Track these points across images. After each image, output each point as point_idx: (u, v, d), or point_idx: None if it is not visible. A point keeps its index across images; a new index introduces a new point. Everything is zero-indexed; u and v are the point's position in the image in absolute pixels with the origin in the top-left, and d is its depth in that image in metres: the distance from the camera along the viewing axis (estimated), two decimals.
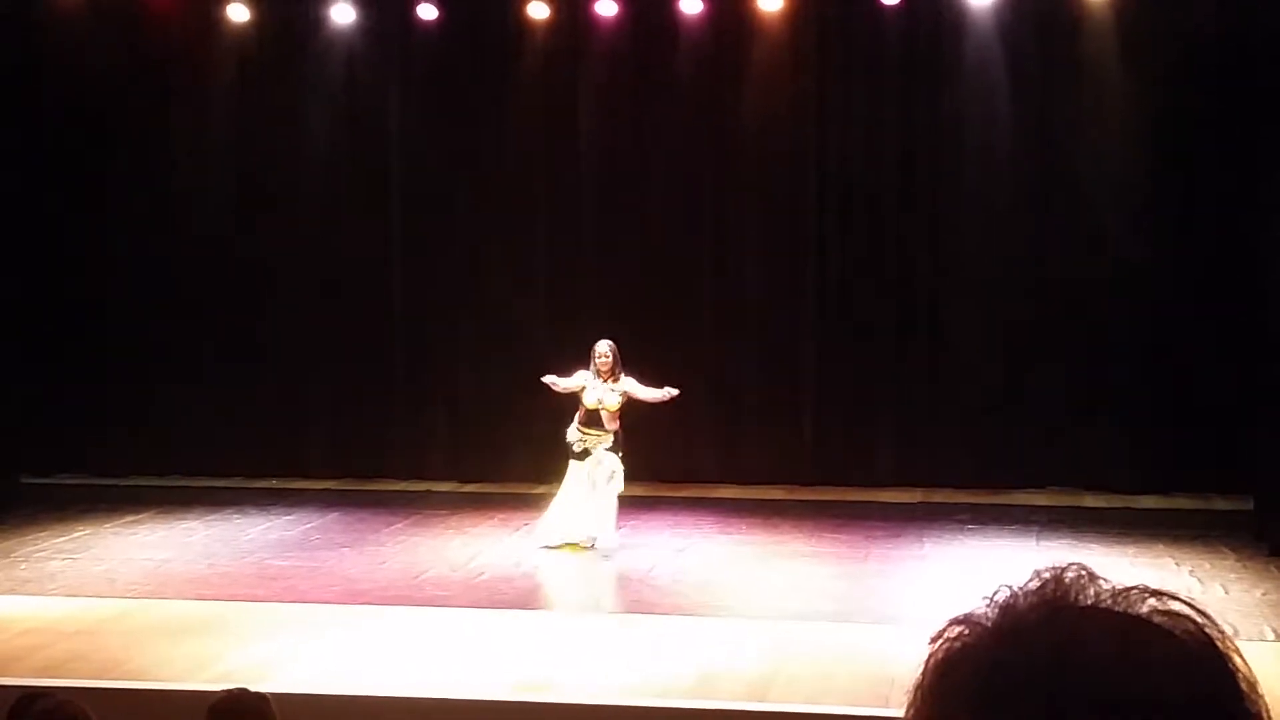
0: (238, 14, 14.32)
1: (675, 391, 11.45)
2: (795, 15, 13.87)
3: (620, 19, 14.04)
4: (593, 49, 14.24)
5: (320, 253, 14.59)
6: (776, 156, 14.11)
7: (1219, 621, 1.03)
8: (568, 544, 11.44)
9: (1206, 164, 13.07)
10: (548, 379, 11.63)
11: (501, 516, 12.90)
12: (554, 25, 14.16)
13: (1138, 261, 13.33)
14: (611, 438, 11.37)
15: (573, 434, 11.44)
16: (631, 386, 11.39)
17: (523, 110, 14.31)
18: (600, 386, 11.32)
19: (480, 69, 14.34)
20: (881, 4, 13.61)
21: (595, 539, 11.41)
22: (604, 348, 11.42)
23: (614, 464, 11.35)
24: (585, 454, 11.38)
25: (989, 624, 1.02)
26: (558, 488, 13.76)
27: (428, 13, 14.14)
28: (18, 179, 14.26)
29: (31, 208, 14.46)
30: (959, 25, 13.68)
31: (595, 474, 11.35)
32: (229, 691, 4.80)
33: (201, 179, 14.71)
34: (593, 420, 11.37)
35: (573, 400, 11.63)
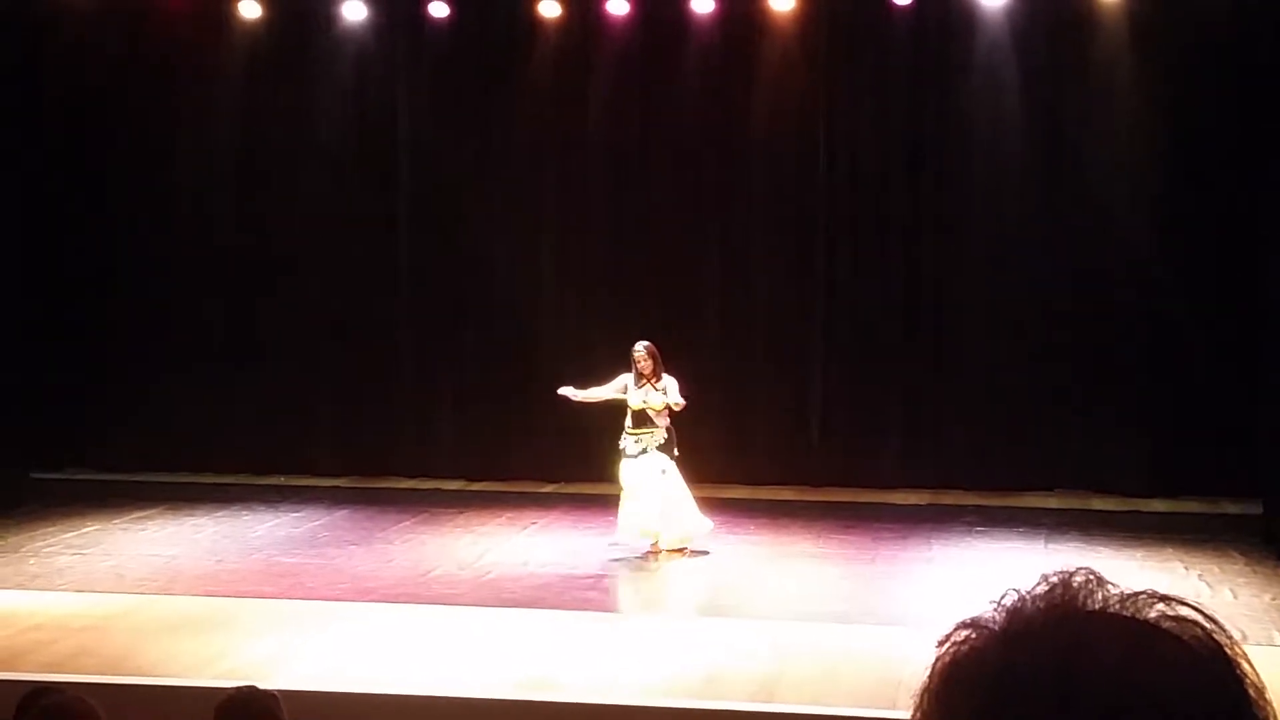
0: (249, 11, 14.33)
1: (683, 402, 11.30)
2: (806, 14, 13.86)
3: (631, 17, 14.04)
4: (603, 47, 14.24)
5: (328, 250, 14.60)
6: (786, 156, 14.10)
7: (1227, 626, 1.02)
8: (667, 549, 11.34)
9: (1216, 164, 13.04)
10: (564, 391, 11.52)
11: (509, 515, 12.90)
12: (565, 23, 14.16)
13: (1147, 263, 13.31)
14: (665, 434, 11.24)
15: (625, 439, 11.31)
16: (671, 389, 11.23)
17: (533, 108, 14.32)
18: (643, 389, 11.23)
19: (491, 67, 14.35)
20: (892, 3, 13.60)
21: (686, 539, 11.35)
22: (640, 350, 11.27)
23: (663, 462, 11.21)
24: (644, 453, 11.28)
25: (996, 628, 1.02)
26: (567, 487, 13.81)
27: (439, 10, 14.15)
28: (21, 175, 14.29)
29: (37, 204, 14.49)
30: (969, 24, 13.67)
31: (650, 474, 11.21)
32: (238, 689, 4.79)
33: (210, 175, 14.74)
34: (641, 421, 11.26)
35: (607, 408, 11.55)
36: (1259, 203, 12.33)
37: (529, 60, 14.33)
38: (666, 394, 11.20)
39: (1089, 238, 13.57)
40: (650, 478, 11.18)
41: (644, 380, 11.23)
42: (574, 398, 11.49)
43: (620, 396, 11.33)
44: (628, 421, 11.31)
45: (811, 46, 14.00)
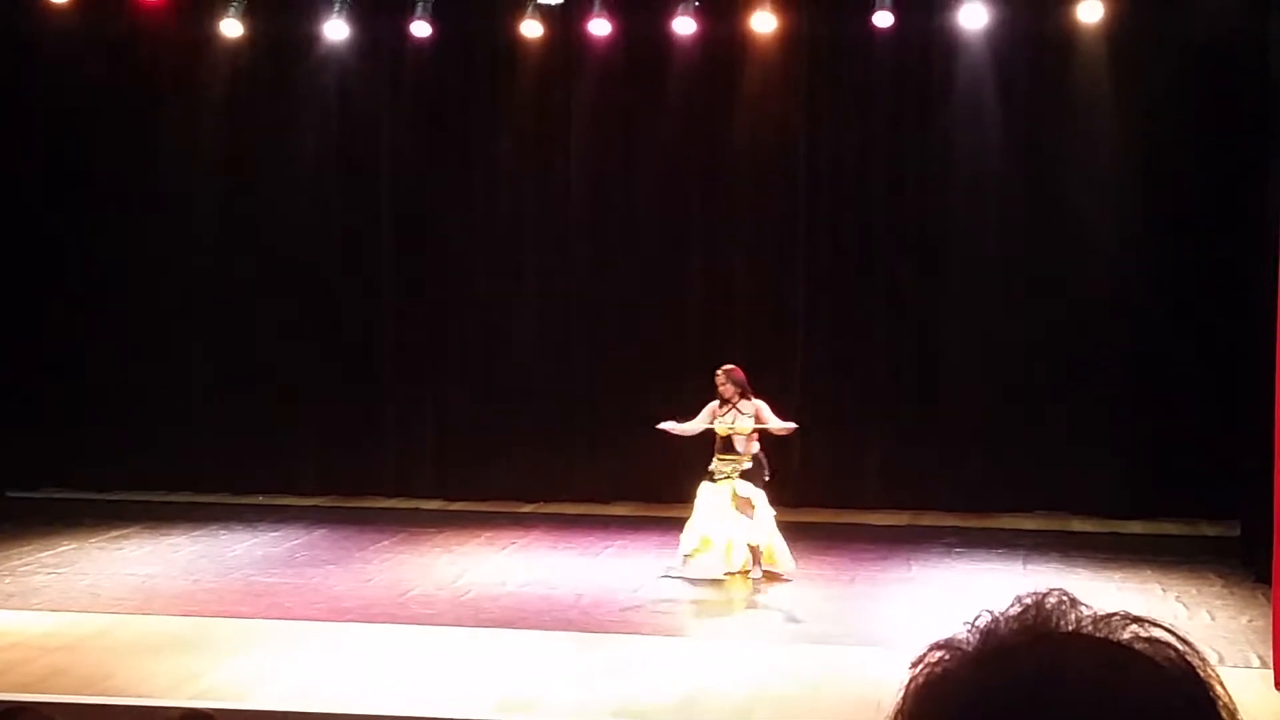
0: (230, 30, 14.29)
1: (794, 426, 11.08)
2: (788, 37, 13.88)
3: (613, 38, 14.04)
4: (586, 68, 14.26)
5: (310, 269, 14.57)
6: (767, 178, 14.13)
7: (1200, 648, 1.02)
8: (728, 573, 11.11)
9: (1198, 187, 13.11)
10: (664, 425, 11.16)
11: (488, 535, 12.86)
12: (547, 44, 14.16)
13: (1126, 286, 13.37)
14: (751, 461, 10.99)
15: (715, 464, 11.03)
16: (762, 409, 11.01)
17: (515, 128, 14.33)
18: (729, 414, 10.99)
19: (473, 87, 14.37)
20: (873, 26, 13.63)
21: (755, 570, 11.05)
22: (719, 374, 11.02)
23: (750, 491, 10.91)
24: (726, 478, 10.98)
25: (970, 649, 1.02)
26: (545, 507, 13.74)
27: (421, 30, 14.14)
28: (5, 195, 14.23)
29: (19, 223, 14.45)
30: (950, 48, 13.71)
31: (738, 504, 10.90)
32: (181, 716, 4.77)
33: (191, 194, 14.70)
34: (728, 447, 11.02)
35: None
36: (1241, 226, 12.38)
37: (511, 80, 14.35)
38: (758, 419, 10.95)
39: (1069, 260, 13.63)
40: (719, 504, 10.92)
41: (727, 405, 10.99)
42: (674, 431, 11.19)
43: (711, 425, 11.05)
44: (716, 445, 11.06)
45: (793, 68, 14.04)
